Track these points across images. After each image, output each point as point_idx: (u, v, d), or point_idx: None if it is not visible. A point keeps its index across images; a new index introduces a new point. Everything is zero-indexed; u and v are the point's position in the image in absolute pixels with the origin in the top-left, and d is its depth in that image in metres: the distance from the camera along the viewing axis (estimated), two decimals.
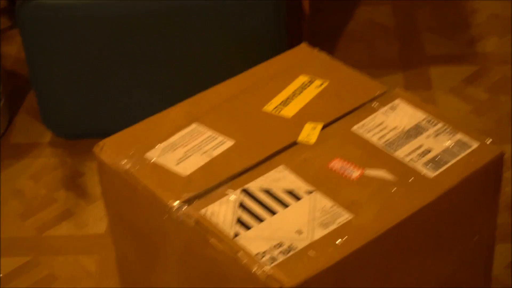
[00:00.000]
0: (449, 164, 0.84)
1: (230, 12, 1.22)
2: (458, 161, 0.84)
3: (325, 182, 0.83)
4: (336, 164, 0.84)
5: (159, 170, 0.86)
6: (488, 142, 0.87)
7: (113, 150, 0.89)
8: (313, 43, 1.56)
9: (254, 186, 0.82)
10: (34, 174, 1.32)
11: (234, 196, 0.81)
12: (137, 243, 0.93)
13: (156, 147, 0.89)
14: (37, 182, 1.31)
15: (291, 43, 1.39)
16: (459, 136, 0.87)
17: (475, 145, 0.86)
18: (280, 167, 0.85)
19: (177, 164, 0.86)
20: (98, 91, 1.28)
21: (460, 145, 0.86)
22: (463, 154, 0.85)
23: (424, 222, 0.82)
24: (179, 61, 1.25)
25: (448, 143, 0.87)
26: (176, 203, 0.82)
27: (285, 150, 0.88)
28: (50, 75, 1.25)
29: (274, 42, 1.26)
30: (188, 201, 0.81)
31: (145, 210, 0.88)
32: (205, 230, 0.78)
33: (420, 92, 1.45)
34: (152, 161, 0.87)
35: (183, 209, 0.81)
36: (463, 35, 1.56)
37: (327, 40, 1.58)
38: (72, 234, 1.23)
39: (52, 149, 1.37)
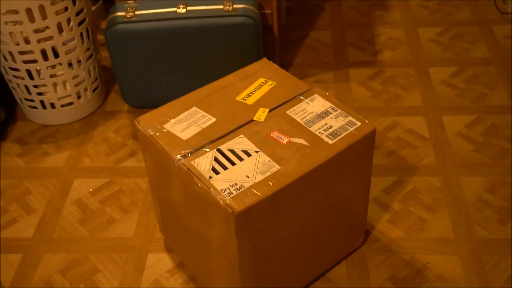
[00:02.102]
0: (342, 135, 1.03)
1: (229, 30, 1.46)
2: (347, 133, 1.03)
3: (266, 145, 1.02)
4: (274, 134, 1.03)
5: (170, 135, 1.05)
6: (367, 121, 1.03)
7: (145, 123, 1.09)
8: (285, 49, 1.93)
9: (224, 147, 1.02)
10: (116, 129, 1.62)
11: (211, 153, 1.01)
12: (159, 175, 1.11)
13: (170, 121, 1.09)
14: (117, 134, 1.61)
15: (266, 50, 1.63)
16: (350, 118, 1.05)
17: (359, 123, 1.04)
18: (241, 135, 1.05)
19: (181, 132, 1.06)
20: (153, 79, 1.56)
21: (350, 123, 1.04)
22: (351, 129, 1.04)
23: (325, 170, 1.00)
24: (198, 59, 1.52)
25: (342, 122, 1.05)
26: (177, 156, 1.01)
27: (245, 125, 1.07)
28: (125, 69, 1.53)
29: (255, 49, 1.51)
30: (184, 156, 1.01)
31: (161, 158, 1.05)
32: (192, 174, 0.98)
33: (342, 83, 1.74)
34: (166, 130, 1.07)
35: (181, 161, 1.00)
36: (370, 49, 1.87)
37: (292, 48, 1.89)
38: (135, 165, 1.51)
39: (127, 114, 1.67)
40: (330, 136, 1.01)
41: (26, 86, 1.53)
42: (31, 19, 1.39)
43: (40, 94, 1.54)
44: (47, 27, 1.42)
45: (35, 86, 1.52)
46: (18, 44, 1.43)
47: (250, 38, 1.46)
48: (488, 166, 1.40)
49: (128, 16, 1.45)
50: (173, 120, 1.07)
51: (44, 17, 1.40)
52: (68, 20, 1.45)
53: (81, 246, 1.28)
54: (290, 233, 1.02)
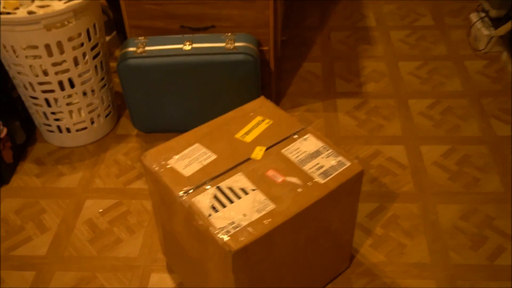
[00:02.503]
0: (333, 175, 0.99)
1: (230, 66, 1.41)
2: (338, 173, 0.99)
3: (263, 184, 0.97)
4: (270, 173, 0.99)
5: (173, 172, 1.01)
6: (356, 162, 0.98)
7: (151, 158, 1.05)
8: (280, 79, 1.91)
9: (223, 184, 0.97)
10: (126, 152, 1.56)
11: (211, 191, 0.96)
12: (163, 205, 1.06)
13: (174, 157, 1.04)
14: (126, 157, 1.55)
15: (264, 81, 1.60)
16: (340, 158, 1.00)
17: (348, 163, 0.99)
18: (239, 173, 1.00)
19: (184, 168, 1.02)
20: (160, 107, 1.51)
21: (340, 163, 1.00)
22: (341, 169, 0.99)
23: (318, 207, 0.96)
24: (201, 91, 1.47)
25: (333, 162, 1.00)
26: (180, 193, 0.96)
27: (243, 163, 1.02)
28: (135, 98, 1.49)
29: (254, 82, 1.46)
30: (186, 192, 0.97)
31: (165, 193, 1.01)
32: (193, 211, 0.93)
33: (330, 113, 1.69)
34: (169, 166, 1.02)
35: (183, 197, 0.96)
36: (356, 80, 1.83)
37: (287, 77, 1.84)
38: (142, 187, 1.45)
39: (136, 138, 1.61)
40: (322, 176, 0.97)
41: (44, 113, 1.47)
42: (50, 54, 1.34)
43: (57, 120, 1.49)
44: (64, 61, 1.38)
45: (53, 113, 1.47)
46: (37, 76, 1.38)
47: (249, 73, 1.42)
48: (461, 194, 1.36)
49: (139, 51, 1.40)
50: (176, 157, 1.03)
51: (62, 51, 1.35)
52: (84, 54, 1.40)
53: (90, 265, 1.23)
54: (283, 264, 0.97)
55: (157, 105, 1.49)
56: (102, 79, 1.50)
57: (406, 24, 2.06)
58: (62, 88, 1.41)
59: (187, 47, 1.40)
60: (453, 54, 1.88)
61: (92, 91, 1.47)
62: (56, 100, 1.44)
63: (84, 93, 1.46)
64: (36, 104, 1.46)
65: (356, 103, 1.68)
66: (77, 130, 1.52)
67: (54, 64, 1.37)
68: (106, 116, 1.56)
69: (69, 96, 1.45)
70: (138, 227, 1.32)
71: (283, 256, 0.96)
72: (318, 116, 1.64)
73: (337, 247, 1.10)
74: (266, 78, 1.59)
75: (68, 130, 1.51)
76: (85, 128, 1.53)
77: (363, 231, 1.27)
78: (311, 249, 1.02)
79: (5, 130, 1.41)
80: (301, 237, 0.97)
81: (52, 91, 1.41)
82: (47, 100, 1.44)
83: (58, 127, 1.50)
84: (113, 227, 1.32)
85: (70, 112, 1.48)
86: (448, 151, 1.49)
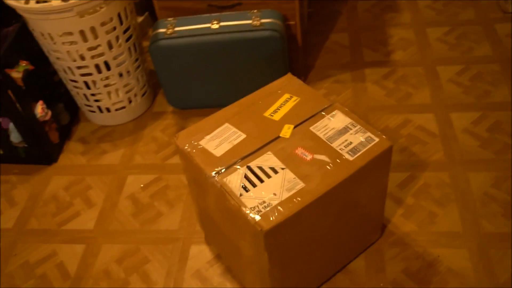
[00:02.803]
0: (361, 151, 0.90)
1: (257, 43, 1.31)
2: (366, 150, 0.90)
3: (292, 162, 0.89)
4: (299, 151, 0.91)
5: (205, 152, 0.93)
6: (384, 137, 0.89)
7: (183, 139, 0.97)
8: (307, 52, 1.73)
9: (253, 164, 0.90)
10: (163, 129, 1.49)
11: (241, 170, 0.89)
12: (196, 184, 1.00)
13: (205, 137, 0.96)
14: (163, 133, 1.47)
15: (291, 56, 1.48)
16: (368, 133, 0.91)
17: (377, 139, 0.90)
18: (269, 152, 0.93)
19: (215, 149, 0.94)
20: (191, 85, 1.42)
21: (369, 139, 0.91)
22: (369, 146, 0.90)
23: (346, 185, 0.88)
24: (229, 68, 1.37)
25: (361, 138, 0.91)
26: (211, 173, 0.89)
27: (272, 142, 0.94)
28: (167, 77, 1.41)
29: (281, 58, 1.35)
30: (218, 173, 0.89)
31: (197, 173, 0.95)
32: (225, 191, 0.86)
33: (358, 83, 1.56)
34: (201, 146, 0.95)
35: (215, 178, 0.88)
36: (383, 49, 1.68)
37: (314, 50, 1.70)
38: (179, 162, 1.38)
39: (172, 115, 1.53)
40: (350, 153, 0.88)
41: (84, 95, 1.42)
42: (84, 39, 1.27)
43: (97, 100, 1.44)
44: (99, 45, 1.31)
45: (92, 95, 1.42)
46: (75, 60, 1.31)
47: (276, 49, 1.31)
48: (492, 161, 1.24)
49: (169, 32, 1.31)
50: (207, 137, 0.95)
51: (96, 36, 1.28)
52: (117, 38, 1.32)
53: (134, 238, 1.19)
54: (313, 239, 0.90)
55: (189, 83, 1.41)
56: (137, 60, 1.42)
57: None
58: (99, 71, 1.35)
59: (215, 25, 1.30)
60: (482, 18, 1.71)
61: (128, 72, 1.40)
62: (94, 82, 1.38)
63: (120, 75, 1.40)
64: (76, 87, 1.40)
65: (384, 72, 1.55)
66: (116, 110, 1.46)
67: (90, 49, 1.30)
68: (143, 95, 1.50)
69: (107, 78, 1.39)
70: (177, 200, 1.27)
71: (313, 232, 0.88)
72: (347, 87, 1.52)
73: (367, 220, 1.01)
74: (294, 52, 1.48)
75: (108, 110, 1.46)
76: (123, 107, 1.47)
77: (394, 201, 1.18)
78: (341, 223, 0.94)
79: (49, 113, 1.37)
80: (331, 214, 0.88)
81: (90, 74, 1.35)
82: (86, 83, 1.38)
83: (99, 107, 1.45)
84: (153, 201, 1.27)
85: (109, 93, 1.42)
86: (479, 118, 1.36)
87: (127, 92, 1.44)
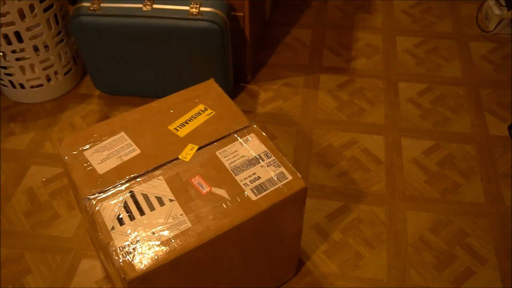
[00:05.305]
0: (268, 191, 0.76)
1: (192, 33, 1.15)
2: (274, 189, 0.76)
3: (184, 194, 0.76)
4: (196, 180, 0.77)
5: (86, 166, 0.79)
6: (299, 176, 0.76)
7: (67, 146, 0.83)
8: (263, 46, 1.58)
9: (138, 189, 0.76)
10: (84, 115, 1.33)
11: (122, 197, 0.75)
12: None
13: (93, 147, 0.82)
14: (83, 120, 1.31)
15: (238, 53, 1.33)
16: (282, 169, 0.77)
17: (290, 177, 0.76)
18: (160, 177, 0.78)
19: (99, 163, 0.80)
20: (119, 71, 1.26)
21: (280, 177, 0.77)
22: (279, 184, 0.76)
23: (243, 229, 0.74)
24: (162, 58, 1.21)
25: (272, 174, 0.77)
26: (86, 195, 0.76)
27: (168, 163, 0.80)
28: (91, 59, 1.25)
29: (220, 54, 1.19)
30: (94, 195, 0.76)
31: (74, 191, 0.81)
32: (96, 220, 0.73)
33: (310, 90, 1.42)
34: (84, 158, 0.81)
35: (88, 201, 0.76)
36: (345, 54, 1.51)
37: (271, 45, 1.55)
38: None
39: (97, 100, 1.36)
40: (255, 190, 0.74)
41: None
42: None
43: (8, 74, 1.27)
44: (8, 13, 1.13)
45: (3, 67, 1.25)
46: None
47: (214, 44, 1.15)
48: (436, 201, 1.12)
49: (92, 8, 1.14)
50: (95, 147, 0.80)
51: (3, 3, 1.11)
52: (31, 7, 1.15)
53: (20, 242, 1.05)
54: (204, 284, 0.78)
55: (117, 68, 1.24)
56: (59, 33, 1.25)
57: None
58: (8, 42, 1.18)
59: (147, 7, 1.13)
60: (458, 32, 1.58)
61: (46, 46, 1.23)
62: (4, 54, 1.21)
63: (36, 49, 1.23)
64: None
65: (341, 80, 1.41)
66: (31, 87, 1.30)
67: None
68: (66, 73, 1.33)
69: (21, 50, 1.22)
70: (76, 204, 1.12)
71: (200, 277, 0.75)
72: (297, 92, 1.38)
73: (276, 260, 0.88)
74: (241, 47, 1.32)
75: (22, 86, 1.29)
76: (41, 85, 1.30)
77: (320, 234, 1.06)
78: (241, 267, 0.81)
79: None
80: (225, 259, 0.75)
81: None
82: None
83: (11, 82, 1.28)
84: (53, 200, 1.12)
85: (22, 68, 1.25)
86: (432, 147, 1.24)
87: (44, 68, 1.27)
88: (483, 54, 1.49)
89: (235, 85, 1.39)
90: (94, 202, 0.72)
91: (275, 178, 0.75)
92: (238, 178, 0.75)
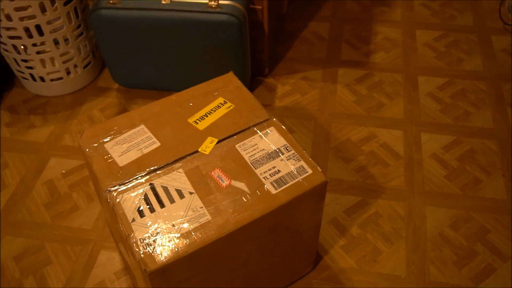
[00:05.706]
0: (288, 184, 0.75)
1: (211, 26, 1.14)
2: (294, 183, 0.75)
3: (204, 187, 0.76)
4: (216, 173, 0.77)
5: (106, 159, 0.80)
6: (319, 170, 0.75)
7: (88, 138, 0.83)
8: (280, 40, 1.56)
9: (158, 182, 0.76)
10: (102, 108, 1.33)
11: (142, 189, 0.75)
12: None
13: (113, 139, 0.82)
14: (102, 113, 1.32)
15: (256, 46, 1.33)
16: (302, 163, 0.77)
17: (310, 171, 0.76)
18: (180, 170, 0.78)
19: (120, 156, 0.80)
20: (137, 64, 1.27)
21: (300, 170, 0.76)
22: (299, 178, 0.76)
23: (262, 223, 0.74)
24: (180, 51, 1.21)
25: (292, 167, 0.76)
26: (107, 186, 0.76)
27: (188, 156, 0.80)
28: (110, 52, 1.25)
29: (239, 47, 1.19)
30: (115, 187, 0.76)
31: (95, 183, 0.81)
32: (116, 212, 0.74)
33: (328, 84, 1.40)
34: (105, 150, 0.81)
35: (109, 193, 0.76)
36: (364, 48, 1.48)
37: (288, 39, 1.53)
38: None
39: (116, 93, 1.37)
40: (275, 184, 0.74)
41: (15, 59, 1.27)
42: None
43: (29, 68, 1.28)
44: (29, 6, 1.14)
45: (24, 60, 1.26)
46: (0, 20, 1.16)
47: (232, 37, 1.15)
48: (456, 197, 1.11)
49: (111, 1, 1.15)
50: (116, 139, 0.81)
51: None
52: (52, 0, 1.16)
53: (41, 232, 1.06)
54: (220, 276, 0.78)
55: (135, 61, 1.25)
56: (78, 27, 1.26)
57: None
58: (30, 35, 1.19)
59: (166, 0, 1.14)
60: (480, 26, 1.55)
61: (66, 40, 1.25)
62: (25, 47, 1.23)
63: (56, 42, 1.24)
64: (6, 50, 1.25)
65: (359, 74, 1.40)
66: (51, 80, 1.31)
67: (17, 9, 1.14)
68: (85, 67, 1.34)
69: (42, 43, 1.23)
70: (96, 196, 1.14)
71: (219, 271, 0.76)
72: (315, 86, 1.37)
73: (294, 255, 0.88)
74: (259, 41, 1.32)
75: (42, 79, 1.31)
76: (60, 78, 1.32)
77: (337, 229, 1.06)
78: (258, 261, 0.81)
79: None
80: (242, 252, 0.75)
81: (19, 37, 1.20)
82: (15, 47, 1.23)
83: (31, 75, 1.30)
84: (72, 192, 1.14)
85: (42, 61, 1.27)
86: (452, 143, 1.22)
87: (64, 62, 1.28)
88: (505, 47, 1.46)
89: (253, 78, 1.39)
90: (114, 194, 0.73)
91: (295, 172, 0.75)
92: (257, 171, 0.75)
